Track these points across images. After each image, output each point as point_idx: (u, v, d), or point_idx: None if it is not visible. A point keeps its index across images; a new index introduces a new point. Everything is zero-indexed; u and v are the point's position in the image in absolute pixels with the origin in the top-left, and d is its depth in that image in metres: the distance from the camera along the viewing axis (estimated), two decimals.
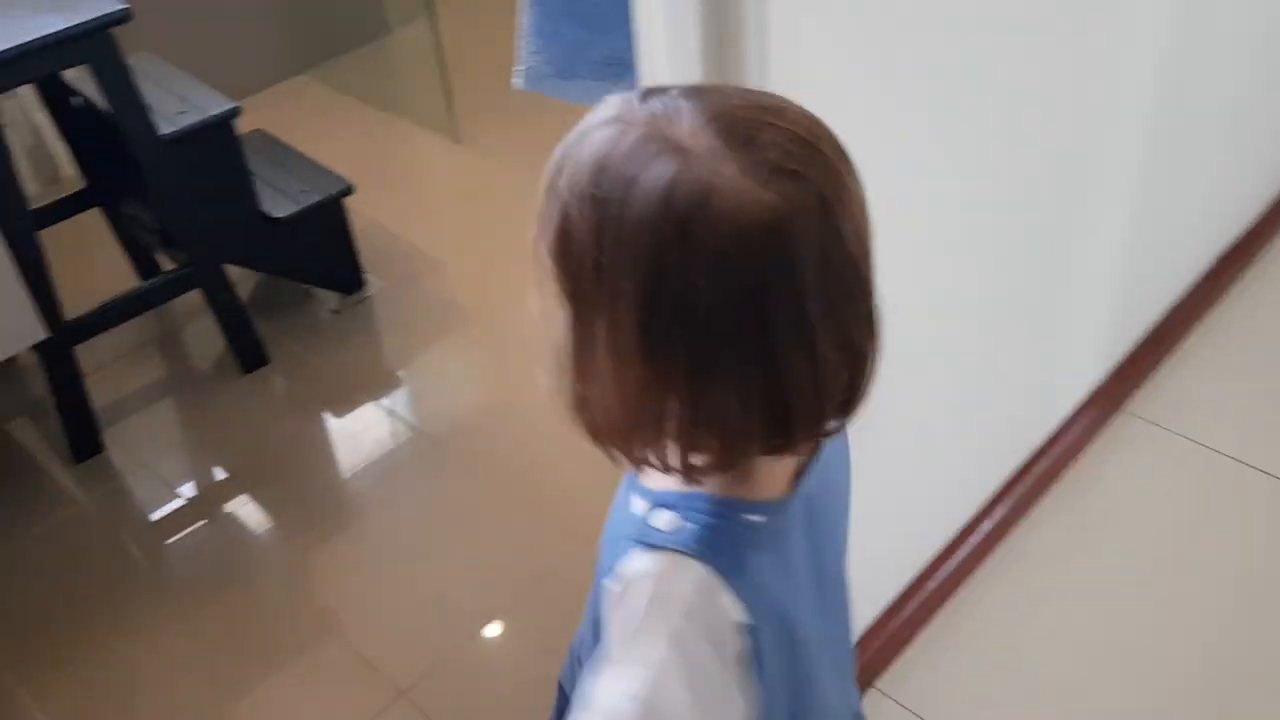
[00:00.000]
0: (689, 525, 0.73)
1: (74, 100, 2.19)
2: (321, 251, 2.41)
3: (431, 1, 2.93)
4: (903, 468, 1.49)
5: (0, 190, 1.88)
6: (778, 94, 0.70)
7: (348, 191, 2.34)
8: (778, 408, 0.68)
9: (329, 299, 2.46)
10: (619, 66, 1.32)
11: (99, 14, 1.85)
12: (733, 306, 0.64)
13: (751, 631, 0.73)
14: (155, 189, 2.06)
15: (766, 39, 0.97)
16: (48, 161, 2.80)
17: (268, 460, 2.13)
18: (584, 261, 0.65)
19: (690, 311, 0.64)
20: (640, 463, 0.72)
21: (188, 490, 2.08)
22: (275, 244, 2.29)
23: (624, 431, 0.70)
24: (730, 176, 0.63)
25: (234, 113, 2.13)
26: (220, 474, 2.14)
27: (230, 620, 1.84)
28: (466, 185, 2.84)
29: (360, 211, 2.45)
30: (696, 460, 0.70)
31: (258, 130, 2.47)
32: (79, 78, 2.11)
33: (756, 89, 0.83)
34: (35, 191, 2.81)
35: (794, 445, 0.71)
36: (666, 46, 1.02)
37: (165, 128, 2.04)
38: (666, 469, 0.71)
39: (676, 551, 0.72)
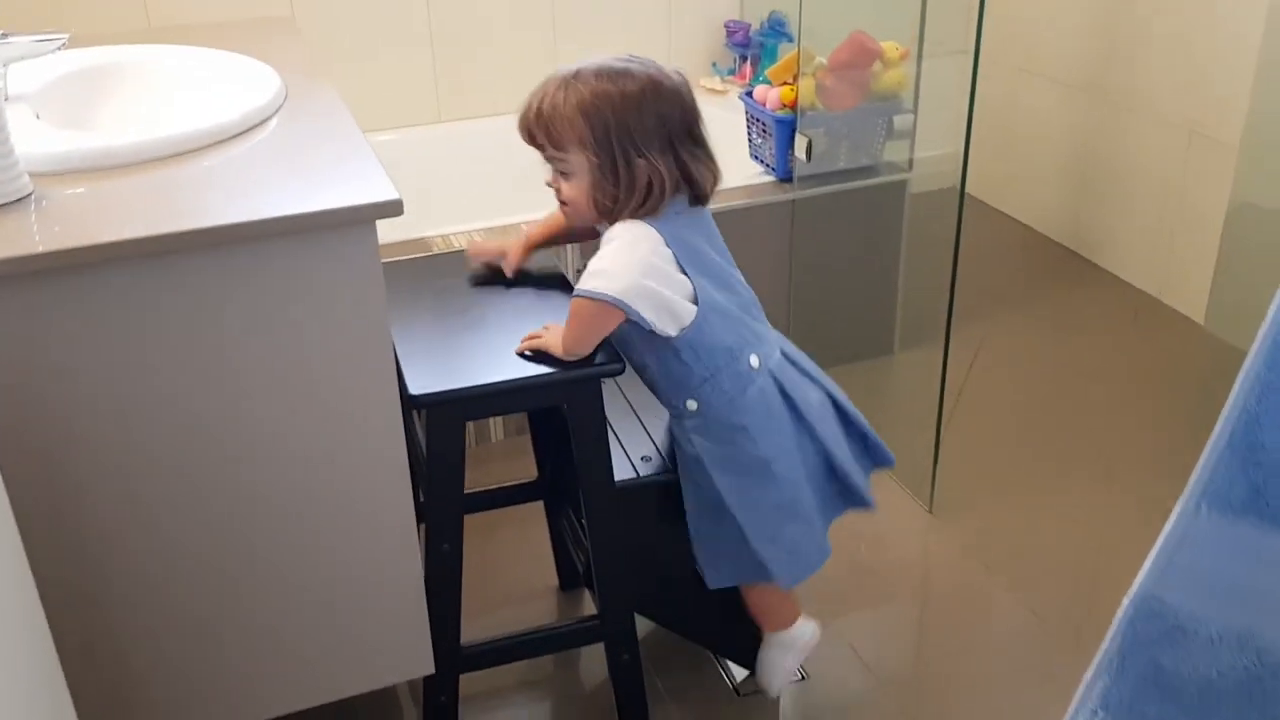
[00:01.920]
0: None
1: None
2: (733, 617, 2.13)
3: (949, 330, 2.60)
4: None
5: (437, 500, 1.80)
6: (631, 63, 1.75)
7: None
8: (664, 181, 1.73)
9: (735, 672, 2.18)
10: None
11: (595, 369, 1.74)
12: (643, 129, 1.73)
13: (675, 256, 1.75)
14: (594, 531, 1.90)
15: None
16: (522, 420, 2.80)
17: None
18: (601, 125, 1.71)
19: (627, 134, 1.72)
20: (622, 218, 1.76)
21: None
22: (695, 606, 2.06)
23: (620, 207, 1.74)
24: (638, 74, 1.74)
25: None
26: None
27: None
28: (927, 567, 2.47)
29: None
30: (648, 206, 1.75)
31: None
32: None
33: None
34: (499, 436, 2.82)
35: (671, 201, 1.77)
36: None
37: (622, 474, 1.89)
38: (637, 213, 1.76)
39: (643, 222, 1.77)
